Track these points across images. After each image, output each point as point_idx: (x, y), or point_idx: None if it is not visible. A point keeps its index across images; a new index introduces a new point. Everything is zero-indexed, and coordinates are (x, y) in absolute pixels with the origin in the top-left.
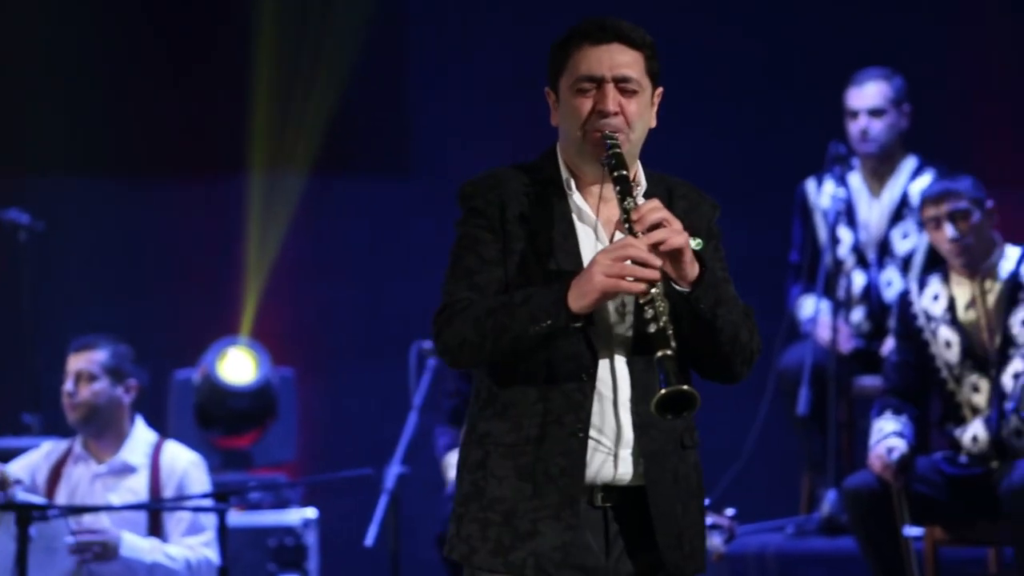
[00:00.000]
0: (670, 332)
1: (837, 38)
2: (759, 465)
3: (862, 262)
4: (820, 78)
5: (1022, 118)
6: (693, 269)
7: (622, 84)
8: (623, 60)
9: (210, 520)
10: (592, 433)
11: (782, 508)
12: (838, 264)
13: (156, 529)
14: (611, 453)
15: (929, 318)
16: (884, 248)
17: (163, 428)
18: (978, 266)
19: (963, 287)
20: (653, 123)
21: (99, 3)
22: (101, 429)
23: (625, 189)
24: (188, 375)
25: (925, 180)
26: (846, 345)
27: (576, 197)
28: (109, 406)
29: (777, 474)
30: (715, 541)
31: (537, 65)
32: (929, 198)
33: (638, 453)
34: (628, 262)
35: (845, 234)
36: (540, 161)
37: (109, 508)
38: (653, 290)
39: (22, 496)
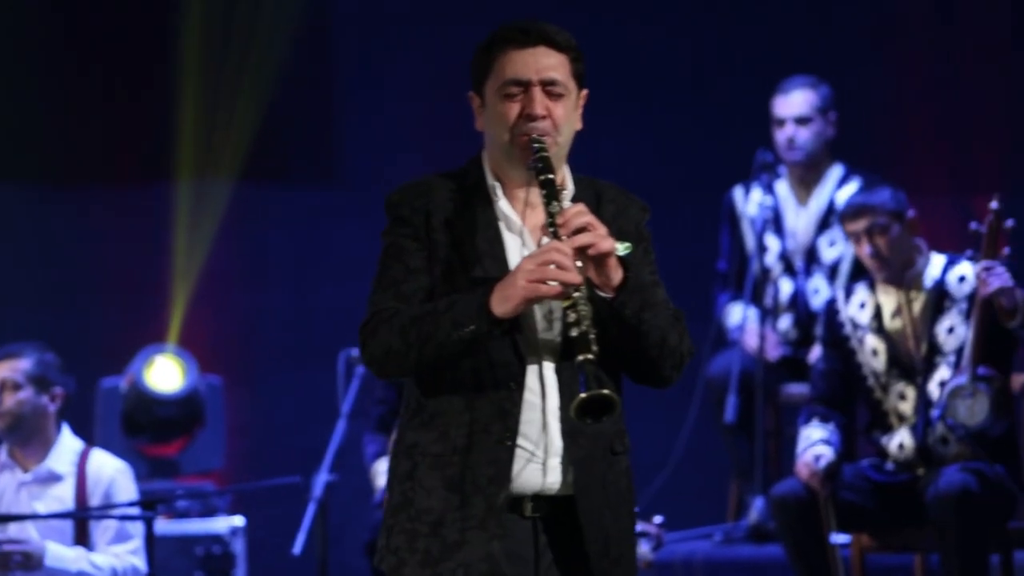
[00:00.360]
0: (592, 336)
1: (764, 45)
2: (687, 472)
3: (789, 270)
4: (747, 85)
5: (946, 126)
6: (617, 274)
7: (549, 87)
8: (549, 63)
9: (137, 528)
10: (520, 441)
11: (710, 515)
12: (765, 272)
13: (83, 538)
14: (540, 461)
15: (856, 326)
16: (811, 256)
17: (90, 436)
18: (901, 276)
19: (889, 295)
20: (579, 126)
21: (22, 10)
22: (26, 438)
23: (551, 193)
24: (115, 383)
25: (851, 188)
26: (773, 353)
27: (502, 203)
28: (34, 415)
29: (705, 481)
30: (643, 549)
31: (465, 70)
32: (846, 214)
33: (567, 461)
34: (552, 267)
35: (772, 242)
36: (466, 167)
37: (35, 517)
38: (576, 294)
39: None
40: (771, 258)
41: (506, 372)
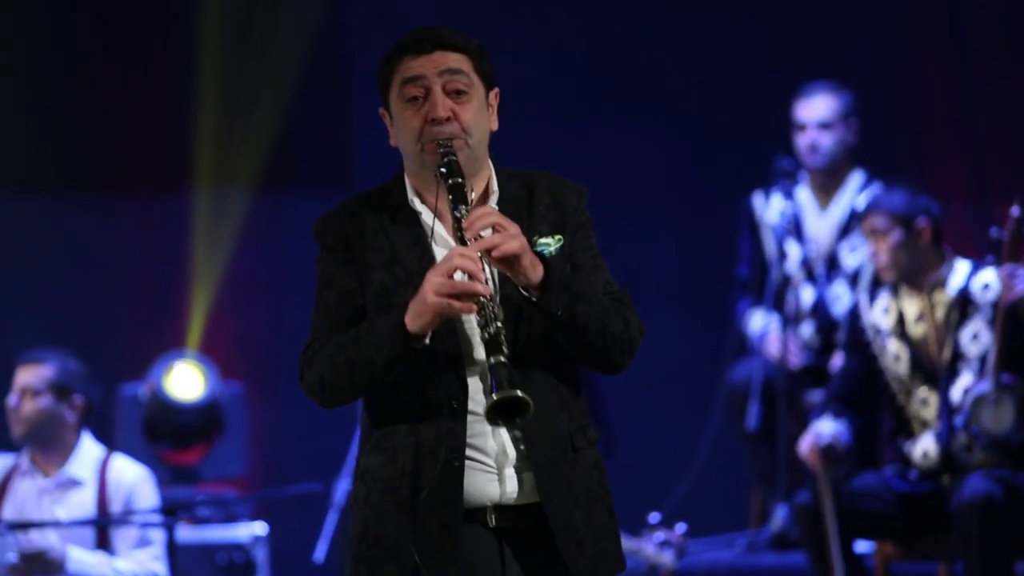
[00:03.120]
0: (502, 338)
1: (781, 52)
2: (709, 480)
3: (810, 276)
4: (764, 92)
5: (966, 132)
6: (535, 272)
7: (451, 83)
8: (447, 60)
9: (158, 535)
10: (475, 455)
11: (732, 523)
12: (786, 279)
13: (104, 543)
14: (494, 472)
15: (878, 332)
16: (832, 262)
17: (110, 442)
18: (919, 281)
19: (913, 301)
20: (495, 126)
21: (43, 18)
22: (44, 444)
23: (458, 197)
24: (135, 389)
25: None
26: (795, 360)
27: (426, 216)
28: (51, 423)
29: (727, 489)
30: (666, 557)
31: None
32: (861, 214)
33: (523, 468)
34: (459, 274)
35: (793, 248)
36: (391, 184)
37: (56, 523)
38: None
39: None
40: (792, 265)
41: (446, 391)
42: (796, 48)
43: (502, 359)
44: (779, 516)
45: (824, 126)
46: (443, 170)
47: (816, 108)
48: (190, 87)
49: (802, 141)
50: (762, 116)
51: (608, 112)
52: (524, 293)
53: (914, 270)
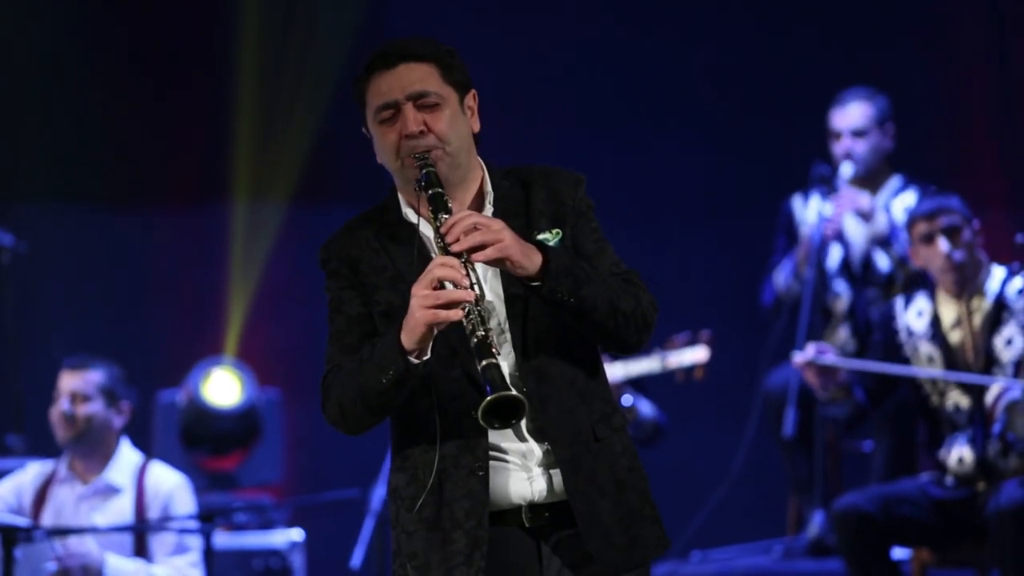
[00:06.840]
0: (490, 341)
1: (820, 58)
2: (746, 487)
3: (847, 280)
4: (802, 97)
5: (1002, 137)
6: (531, 262)
7: (420, 101)
8: (413, 77)
9: (195, 541)
10: (501, 455)
11: (769, 530)
12: (823, 280)
13: (141, 550)
14: (523, 470)
15: (910, 333)
16: (868, 266)
17: (148, 449)
18: (966, 284)
19: (949, 306)
20: (476, 127)
21: (83, 32)
22: (90, 449)
23: (438, 206)
24: (173, 396)
25: (908, 198)
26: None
27: (424, 227)
28: (101, 427)
29: (764, 496)
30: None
31: (519, 91)
32: (922, 214)
33: (551, 465)
34: (443, 284)
35: (831, 251)
36: (387, 201)
37: (94, 530)
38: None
39: (6, 518)
40: (829, 267)
41: (466, 402)
42: (835, 54)
43: (493, 361)
44: (816, 523)
45: (858, 134)
46: (423, 183)
47: (850, 116)
48: (228, 101)
49: (838, 149)
50: (800, 122)
51: (645, 119)
52: (527, 284)
53: (970, 271)
